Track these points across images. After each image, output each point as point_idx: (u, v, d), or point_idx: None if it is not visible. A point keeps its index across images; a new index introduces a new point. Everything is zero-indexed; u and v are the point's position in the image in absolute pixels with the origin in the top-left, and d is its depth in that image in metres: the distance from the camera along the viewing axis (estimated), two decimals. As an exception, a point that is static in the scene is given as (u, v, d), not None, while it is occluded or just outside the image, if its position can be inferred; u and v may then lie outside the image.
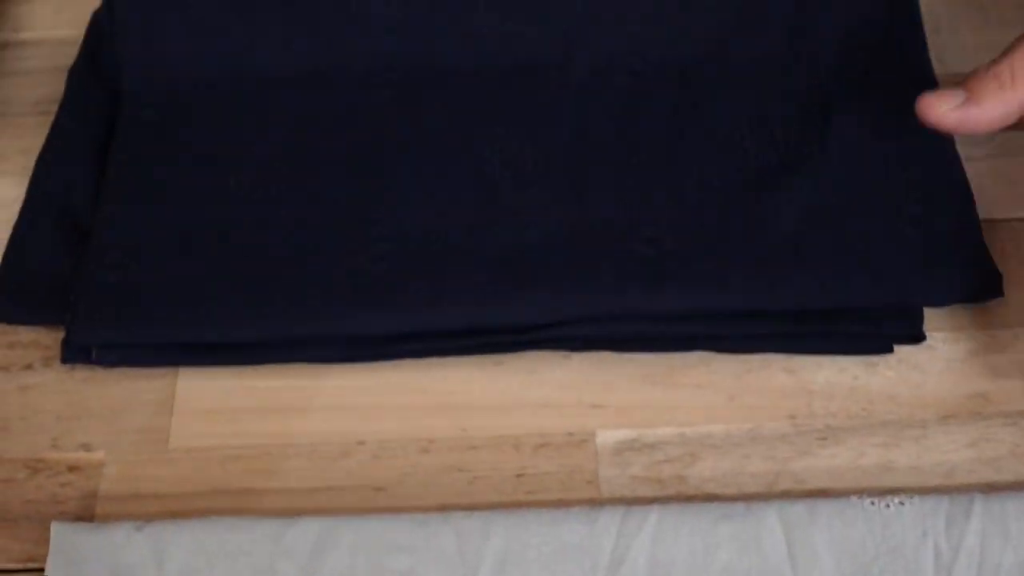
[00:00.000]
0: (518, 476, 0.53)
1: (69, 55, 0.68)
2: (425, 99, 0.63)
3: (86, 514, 0.53)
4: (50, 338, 0.58)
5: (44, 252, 0.59)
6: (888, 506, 0.50)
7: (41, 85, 0.67)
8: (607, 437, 0.54)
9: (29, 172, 0.63)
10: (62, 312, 0.56)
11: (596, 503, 0.52)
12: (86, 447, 0.55)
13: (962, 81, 0.53)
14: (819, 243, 0.56)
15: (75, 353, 0.56)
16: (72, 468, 0.54)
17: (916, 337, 0.56)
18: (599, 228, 0.58)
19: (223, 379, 0.56)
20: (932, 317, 0.56)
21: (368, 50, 0.64)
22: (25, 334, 0.58)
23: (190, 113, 0.63)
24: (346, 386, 0.56)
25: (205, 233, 0.59)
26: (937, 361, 0.56)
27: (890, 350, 0.56)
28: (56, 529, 0.51)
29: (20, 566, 0.52)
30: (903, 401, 0.55)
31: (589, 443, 0.54)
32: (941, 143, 0.58)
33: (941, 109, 0.54)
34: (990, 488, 0.52)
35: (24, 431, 0.55)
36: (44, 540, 0.52)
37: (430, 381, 0.56)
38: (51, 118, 0.65)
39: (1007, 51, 0.53)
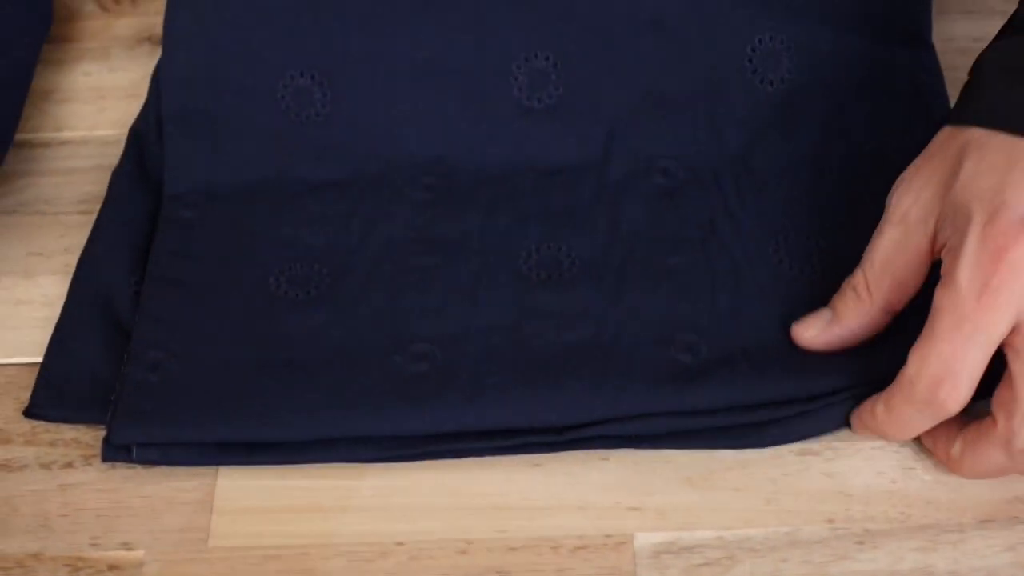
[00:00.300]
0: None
1: (111, 155, 0.69)
2: (463, 201, 0.64)
3: (126, 614, 0.53)
4: (91, 436, 0.58)
5: (86, 351, 0.59)
6: (929, 612, 0.50)
7: (84, 184, 0.68)
8: (645, 540, 0.54)
9: (71, 270, 0.63)
10: (103, 411, 0.57)
11: (635, 606, 0.53)
12: (126, 546, 0.55)
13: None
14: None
15: (115, 451, 0.56)
16: (112, 567, 0.54)
17: None
18: (636, 329, 0.58)
19: (263, 478, 0.56)
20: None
21: (406, 154, 0.65)
22: (66, 432, 0.59)
23: (229, 215, 0.64)
24: (384, 486, 0.56)
25: (244, 333, 0.59)
26: (974, 465, 0.56)
27: None
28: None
29: (59, 666, 0.52)
30: (941, 505, 0.55)
31: (627, 545, 0.54)
32: None
33: (809, 334, 0.56)
34: (1030, 593, 0.52)
35: (65, 529, 0.56)
36: (84, 640, 0.52)
37: (468, 482, 0.56)
38: (93, 217, 0.66)
39: (860, 264, 0.56)
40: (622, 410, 0.55)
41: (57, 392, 0.58)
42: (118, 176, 0.66)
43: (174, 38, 0.67)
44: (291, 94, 0.66)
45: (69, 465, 0.58)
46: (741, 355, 0.57)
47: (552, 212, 0.63)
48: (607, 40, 0.66)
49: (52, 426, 0.59)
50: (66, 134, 0.71)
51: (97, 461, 0.57)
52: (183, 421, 0.56)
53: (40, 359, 0.61)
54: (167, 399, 0.57)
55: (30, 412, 0.58)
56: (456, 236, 0.62)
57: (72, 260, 0.65)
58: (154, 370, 0.57)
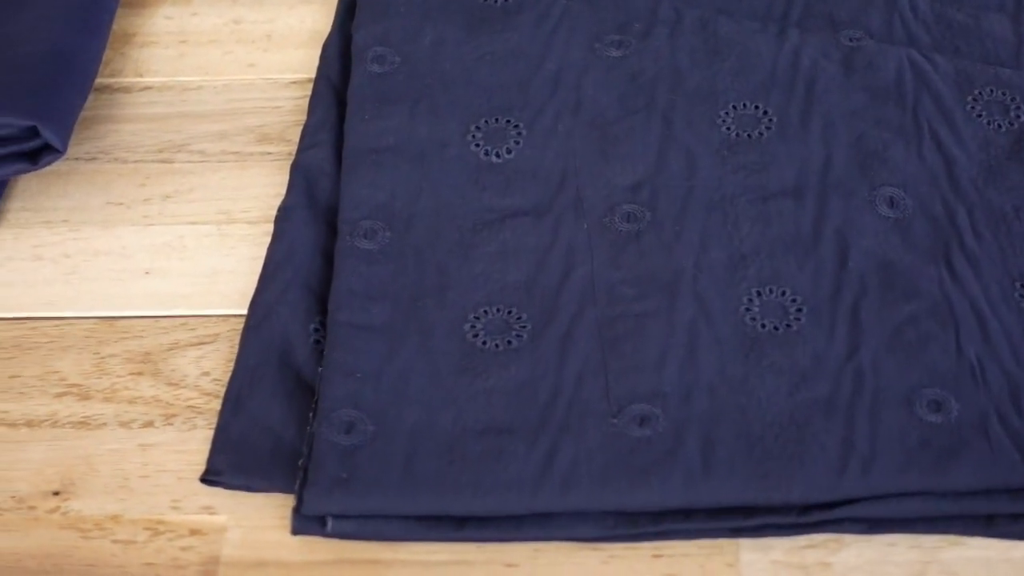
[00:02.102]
0: (655, 556, 0.51)
1: (192, 101, 0.68)
2: (671, 232, 0.59)
3: (207, 581, 0.51)
4: (171, 395, 0.57)
5: (266, 410, 0.54)
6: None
7: (165, 131, 0.67)
8: (747, 518, 0.52)
9: (150, 221, 0.62)
10: (290, 477, 0.52)
11: (737, 589, 0.50)
12: (208, 510, 0.53)
13: None
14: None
15: (307, 523, 0.51)
16: (194, 531, 0.52)
17: None
18: (876, 385, 0.53)
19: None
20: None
21: (604, 179, 0.61)
22: (146, 390, 0.57)
23: (414, 246, 0.59)
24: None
25: (443, 390, 0.54)
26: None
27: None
28: (179, 597, 0.49)
29: (139, 632, 0.50)
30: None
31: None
32: None
33: None
34: None
35: (145, 491, 0.54)
36: (164, 606, 0.50)
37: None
38: (174, 166, 0.65)
39: None
40: (873, 487, 0.50)
41: (236, 456, 0.53)
42: (285, 211, 0.61)
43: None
44: (483, 135, 0.63)
45: (149, 424, 0.56)
46: (996, 418, 0.52)
47: (770, 245, 0.58)
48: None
49: (131, 383, 0.57)
50: (147, 79, 0.70)
51: (178, 421, 0.56)
52: (384, 492, 0.51)
53: (119, 313, 0.59)
54: (364, 466, 0.51)
55: (208, 479, 0.53)
56: (668, 276, 0.57)
57: (152, 211, 0.63)
58: (348, 432, 0.52)
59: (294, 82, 0.69)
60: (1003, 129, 0.62)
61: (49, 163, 0.62)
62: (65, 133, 0.62)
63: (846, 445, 0.52)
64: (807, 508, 0.51)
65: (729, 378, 0.54)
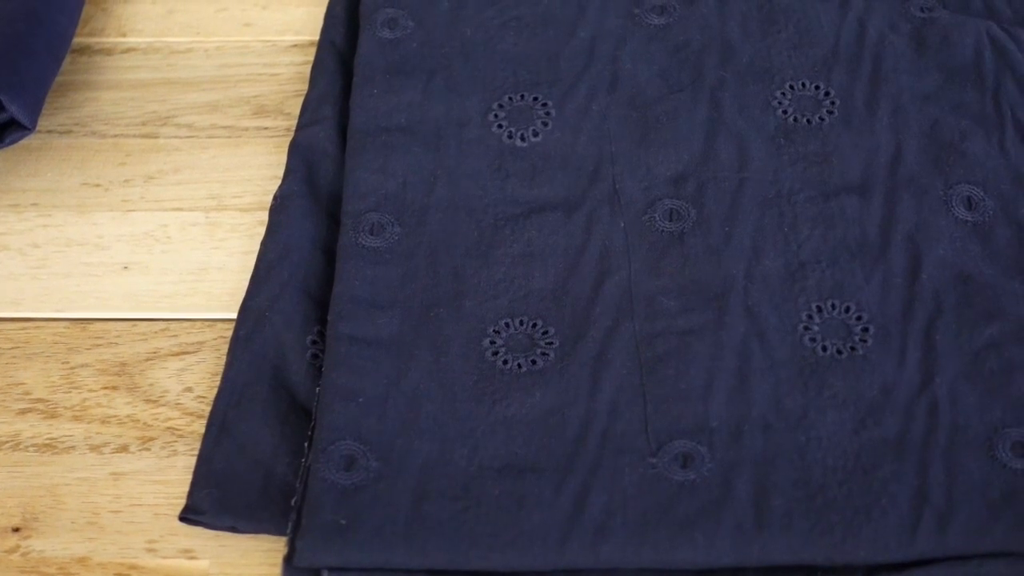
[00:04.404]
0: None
1: (181, 67, 0.62)
2: (720, 234, 0.52)
3: (186, 638, 0.45)
4: (149, 415, 0.50)
5: (256, 437, 0.48)
6: None
7: (149, 101, 0.61)
8: None
9: (131, 207, 0.56)
10: (282, 517, 0.46)
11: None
12: (188, 554, 0.47)
13: None
14: None
15: (298, 575, 0.45)
16: (171, 579, 0.46)
17: None
18: (952, 422, 0.47)
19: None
20: None
21: (643, 170, 0.55)
22: (121, 407, 0.50)
23: (428, 245, 0.52)
24: None
25: (459, 420, 0.47)
26: None
27: None
28: (151, 664, 0.43)
29: None
30: None
31: None
32: None
33: None
34: None
35: (116, 529, 0.47)
36: (136, 668, 0.44)
37: None
38: (158, 142, 0.59)
39: None
40: (950, 547, 0.44)
41: (221, 491, 0.47)
42: (281, 200, 0.54)
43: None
44: (507, 115, 0.56)
45: (123, 448, 0.49)
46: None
47: (833, 251, 0.52)
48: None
49: (104, 399, 0.51)
50: (131, 39, 0.63)
51: (156, 445, 0.49)
52: (389, 542, 0.44)
53: (92, 315, 0.53)
54: (366, 510, 0.45)
55: (188, 517, 0.47)
56: (716, 286, 0.51)
57: (132, 194, 0.57)
58: (348, 468, 0.46)
59: (295, 45, 0.62)
60: None
61: (16, 141, 0.56)
62: (35, 107, 0.56)
63: (920, 496, 0.45)
64: (874, 569, 0.45)
65: (786, 412, 0.47)
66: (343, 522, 0.45)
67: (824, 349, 0.49)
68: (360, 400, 0.48)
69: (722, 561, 0.45)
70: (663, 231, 0.52)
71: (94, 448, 0.49)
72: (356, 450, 0.46)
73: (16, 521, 0.48)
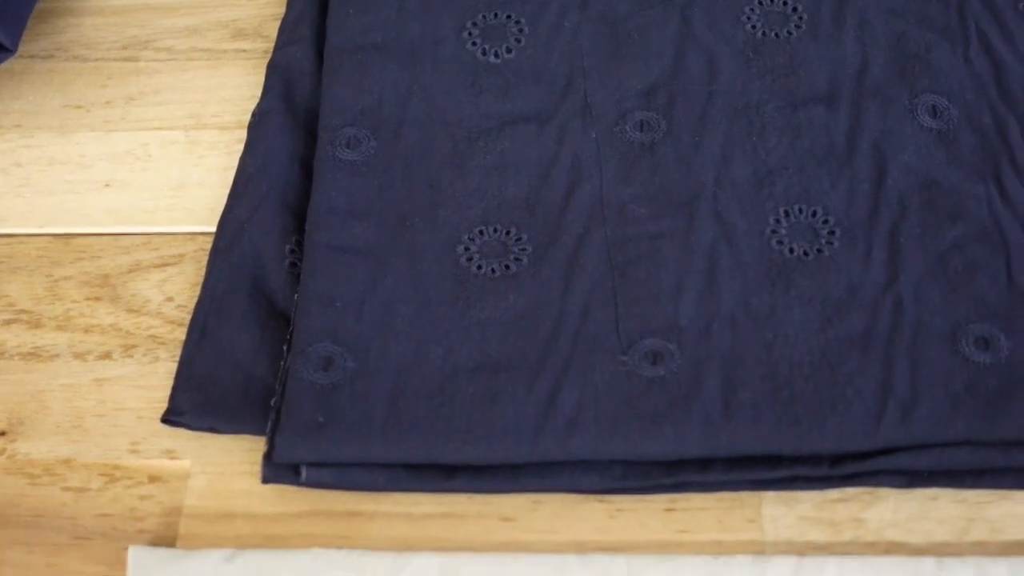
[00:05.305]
0: (668, 510, 0.46)
1: None
2: (689, 143, 0.53)
3: (168, 533, 0.46)
4: (131, 323, 0.51)
5: (236, 342, 0.49)
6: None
7: (130, 26, 0.61)
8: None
9: (112, 127, 0.56)
10: (262, 418, 0.47)
11: (759, 547, 0.45)
12: (170, 454, 0.48)
13: None
14: None
15: (279, 472, 0.46)
16: (153, 478, 0.47)
17: None
18: (916, 319, 0.48)
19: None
20: None
21: (615, 81, 0.56)
22: (104, 316, 0.51)
23: (403, 157, 0.53)
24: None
25: (432, 322, 0.49)
26: None
27: None
28: (134, 555, 0.44)
29: (93, 592, 0.46)
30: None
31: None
32: None
33: None
34: None
35: (100, 432, 0.49)
36: (120, 562, 0.45)
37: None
38: (139, 64, 0.59)
39: None
40: (913, 436, 0.45)
41: (201, 393, 0.48)
42: (260, 116, 0.55)
43: None
44: (480, 32, 0.57)
45: (106, 356, 0.50)
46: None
47: (800, 158, 0.52)
48: None
49: (87, 309, 0.52)
50: (111, -35, 0.64)
51: (138, 352, 0.50)
52: (366, 437, 0.46)
53: (75, 230, 0.54)
54: (344, 408, 0.46)
55: (170, 419, 0.48)
56: (685, 194, 0.52)
57: (114, 115, 0.58)
58: (325, 369, 0.47)
59: (273, -30, 0.63)
60: None
61: (-2, 63, 0.56)
62: (17, 29, 0.56)
63: (884, 388, 0.46)
64: (839, 459, 0.46)
65: (753, 310, 0.49)
66: (321, 420, 0.46)
67: (791, 251, 0.50)
68: (337, 304, 0.49)
69: (691, 452, 0.46)
70: (634, 141, 0.53)
71: (78, 356, 0.50)
72: (333, 351, 0.48)
73: (2, 426, 0.49)
